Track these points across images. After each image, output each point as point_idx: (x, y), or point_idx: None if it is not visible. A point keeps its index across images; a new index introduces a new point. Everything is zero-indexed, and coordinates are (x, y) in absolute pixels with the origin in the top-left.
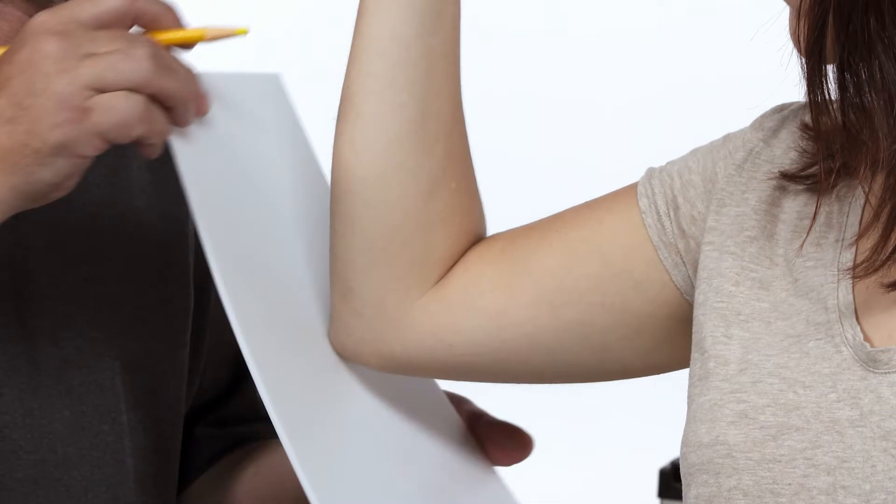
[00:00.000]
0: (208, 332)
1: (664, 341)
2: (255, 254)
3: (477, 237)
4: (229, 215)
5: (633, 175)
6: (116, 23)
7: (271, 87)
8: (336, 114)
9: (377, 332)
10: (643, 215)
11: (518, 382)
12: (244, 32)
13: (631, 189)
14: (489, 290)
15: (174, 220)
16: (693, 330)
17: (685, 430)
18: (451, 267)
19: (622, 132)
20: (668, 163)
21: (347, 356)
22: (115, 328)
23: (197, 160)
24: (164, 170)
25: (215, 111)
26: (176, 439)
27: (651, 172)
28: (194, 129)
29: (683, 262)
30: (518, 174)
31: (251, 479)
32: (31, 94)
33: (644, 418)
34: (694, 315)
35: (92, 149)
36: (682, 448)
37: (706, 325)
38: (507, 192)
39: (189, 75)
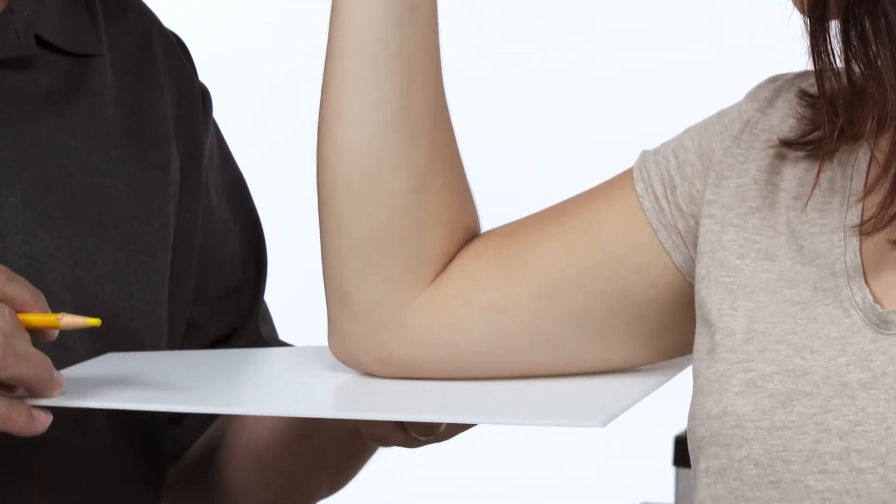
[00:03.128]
0: (192, 281)
1: (668, 326)
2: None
3: (471, 233)
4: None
5: (629, 152)
6: None
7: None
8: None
9: (376, 336)
10: (640, 199)
11: (522, 376)
12: (96, 324)
13: (626, 175)
14: (488, 286)
15: (155, 167)
16: (696, 305)
17: (692, 404)
18: (447, 265)
19: (615, 108)
20: (661, 144)
21: (349, 363)
22: (86, 287)
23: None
24: (143, 114)
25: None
26: None
27: (645, 155)
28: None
29: (684, 242)
30: (511, 158)
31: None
32: None
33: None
34: (696, 290)
35: None
36: (689, 422)
37: (710, 298)
38: (500, 179)
39: (37, 359)
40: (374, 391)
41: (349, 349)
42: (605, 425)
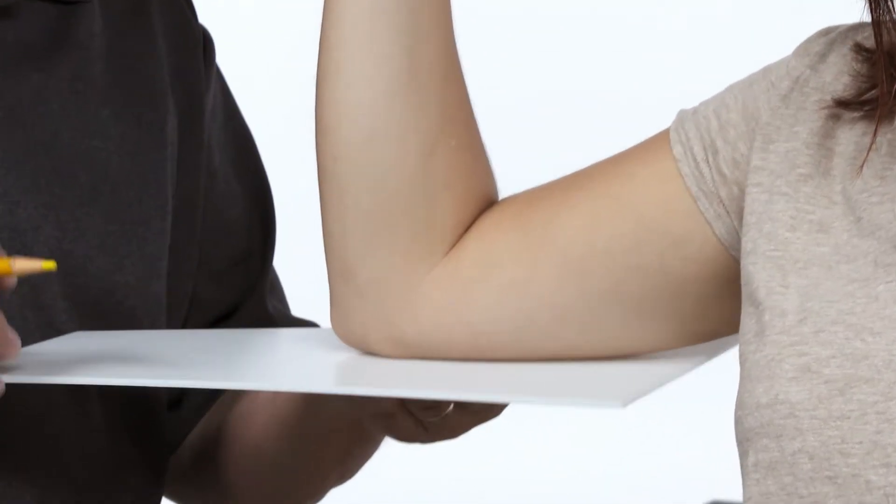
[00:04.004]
0: (195, 251)
1: (709, 305)
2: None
3: (487, 200)
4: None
5: (662, 114)
6: None
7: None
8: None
9: (385, 314)
10: (678, 164)
11: (548, 359)
12: (52, 267)
13: (662, 136)
14: (508, 260)
15: (150, 126)
16: (742, 282)
17: (739, 392)
18: (462, 236)
19: (646, 67)
20: (701, 103)
21: (355, 343)
22: (75, 262)
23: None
24: (137, 67)
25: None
26: None
27: (683, 115)
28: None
29: (727, 211)
30: (530, 120)
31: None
32: None
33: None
34: (742, 266)
35: None
36: (736, 411)
37: (758, 275)
38: (518, 144)
39: None
40: (381, 369)
41: (354, 328)
42: (625, 406)
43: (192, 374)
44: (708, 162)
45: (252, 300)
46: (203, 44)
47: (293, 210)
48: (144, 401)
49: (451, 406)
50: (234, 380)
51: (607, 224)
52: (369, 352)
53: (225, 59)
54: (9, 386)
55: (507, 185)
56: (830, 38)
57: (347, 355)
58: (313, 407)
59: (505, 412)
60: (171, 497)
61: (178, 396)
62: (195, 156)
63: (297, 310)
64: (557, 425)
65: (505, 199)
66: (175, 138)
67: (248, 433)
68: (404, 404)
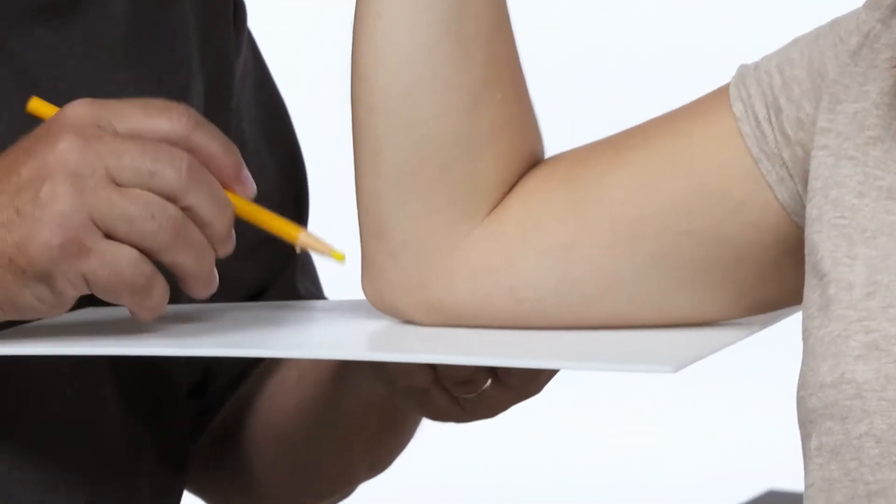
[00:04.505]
0: None
1: (767, 275)
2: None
3: (533, 158)
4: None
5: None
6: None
7: None
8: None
9: (419, 276)
10: (738, 122)
11: (592, 328)
12: (341, 259)
13: (721, 93)
14: (554, 221)
15: (171, 92)
16: (806, 252)
17: (802, 370)
18: (505, 196)
19: (701, 22)
20: (763, 58)
21: (385, 308)
22: None
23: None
24: (159, 28)
25: None
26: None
27: (744, 71)
28: None
29: (790, 175)
30: (579, 77)
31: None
32: (32, 202)
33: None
34: (806, 234)
35: (72, 288)
36: (798, 391)
37: (823, 244)
38: (565, 101)
39: (204, 254)
40: (415, 336)
41: (386, 292)
42: (677, 370)
43: (210, 342)
44: (770, 121)
45: (281, 280)
46: (234, 5)
47: (322, 175)
48: (163, 386)
49: (489, 382)
50: (260, 348)
51: (661, 185)
52: (401, 318)
53: (256, 24)
54: (8, 357)
55: (551, 145)
56: None
57: (379, 324)
58: (340, 389)
59: (546, 390)
60: (191, 489)
61: (201, 382)
62: (223, 125)
63: (325, 283)
64: (606, 409)
65: (552, 158)
66: (201, 106)
67: (272, 420)
68: (438, 380)
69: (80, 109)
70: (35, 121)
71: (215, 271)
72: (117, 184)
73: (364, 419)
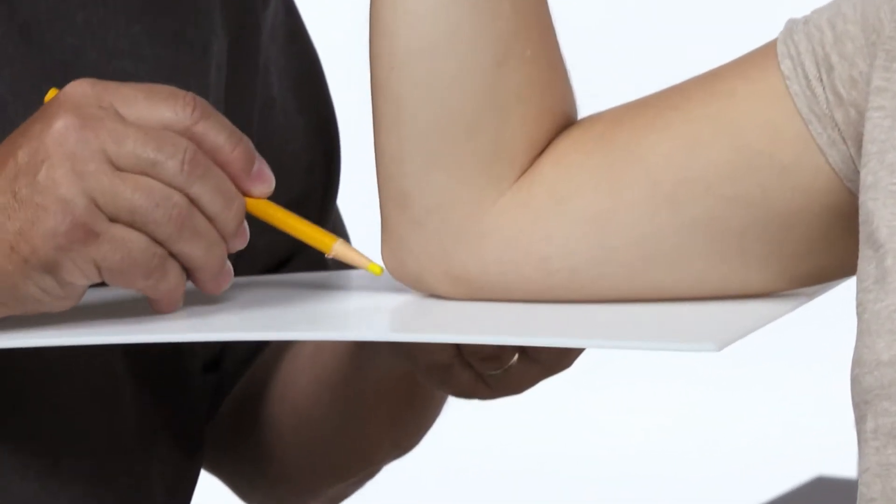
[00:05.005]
0: None
1: (817, 244)
2: None
3: (566, 119)
4: None
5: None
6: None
7: None
8: None
9: (445, 246)
10: (787, 81)
11: (629, 301)
12: (378, 272)
13: (768, 49)
14: (589, 186)
15: (191, 47)
16: (860, 220)
17: (857, 347)
18: (535, 159)
19: None
20: (813, 11)
21: (407, 280)
22: None
23: None
24: None
25: None
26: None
27: (792, 25)
28: None
29: (842, 137)
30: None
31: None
32: (31, 186)
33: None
34: (860, 201)
35: (82, 276)
36: (853, 370)
37: (879, 212)
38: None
39: (213, 245)
40: (440, 312)
41: (409, 263)
42: (720, 349)
43: (225, 325)
44: (821, 80)
45: (309, 248)
46: None
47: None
48: (177, 361)
49: (516, 357)
50: (275, 329)
51: (704, 148)
52: (425, 291)
53: None
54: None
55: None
56: None
57: (401, 298)
58: (358, 363)
59: (582, 370)
60: (207, 468)
61: (216, 356)
62: (249, 82)
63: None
64: (646, 389)
65: (585, 119)
66: (223, 61)
67: (288, 395)
68: (462, 355)
69: (81, 89)
70: (45, 82)
71: (228, 265)
72: (117, 169)
73: (385, 395)
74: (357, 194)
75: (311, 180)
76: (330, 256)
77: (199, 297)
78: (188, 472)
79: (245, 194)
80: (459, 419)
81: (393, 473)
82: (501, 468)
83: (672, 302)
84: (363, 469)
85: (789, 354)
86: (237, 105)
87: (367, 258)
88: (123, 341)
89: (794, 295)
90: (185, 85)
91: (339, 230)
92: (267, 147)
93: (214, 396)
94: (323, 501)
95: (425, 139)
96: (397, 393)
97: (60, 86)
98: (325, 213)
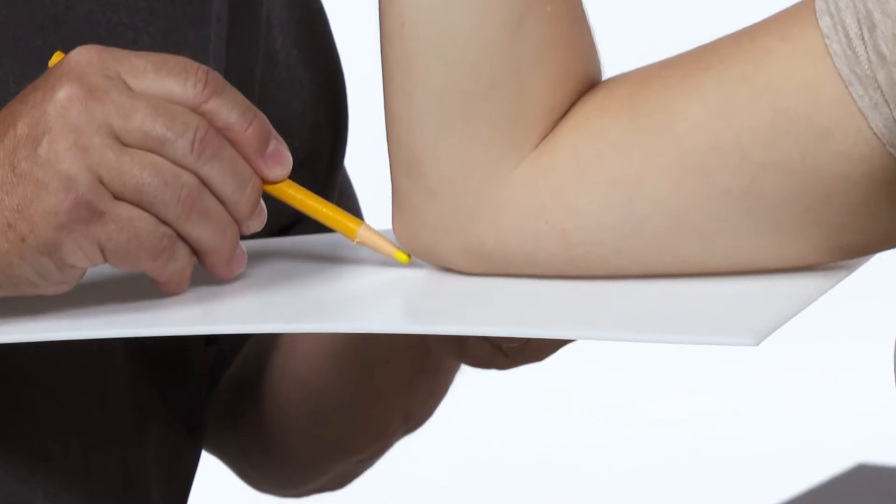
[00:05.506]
0: None
1: (861, 213)
2: None
3: (589, 80)
4: None
5: None
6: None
7: None
8: None
9: (460, 217)
10: (826, 40)
11: (656, 276)
12: (405, 260)
13: (806, 6)
14: (614, 152)
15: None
16: None
17: None
18: (557, 123)
19: None
20: None
21: (420, 253)
22: None
23: None
24: None
25: None
26: None
27: None
28: None
29: (885, 100)
30: None
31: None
32: (31, 159)
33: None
34: None
35: (84, 258)
36: None
37: None
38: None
39: (224, 227)
40: (456, 291)
41: (422, 236)
42: (758, 343)
43: (225, 316)
44: (863, 39)
45: None
46: None
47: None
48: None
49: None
50: (279, 321)
51: (738, 111)
52: (438, 264)
53: None
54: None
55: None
56: None
57: (414, 274)
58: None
59: (617, 355)
60: (205, 448)
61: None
62: (250, 35)
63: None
64: (681, 375)
65: (610, 80)
66: (224, 13)
67: (294, 366)
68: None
69: (87, 56)
70: (33, 36)
71: (242, 248)
72: (124, 145)
73: (396, 364)
74: (367, 158)
75: (318, 139)
76: (355, 242)
77: (206, 275)
78: (187, 457)
79: (259, 176)
80: (471, 405)
81: (409, 454)
82: (534, 451)
83: (701, 278)
84: (373, 444)
85: (827, 335)
86: (238, 59)
87: (392, 244)
88: (126, 334)
89: (833, 269)
90: (183, 37)
91: (347, 193)
92: (270, 104)
93: (213, 370)
94: (331, 480)
95: (438, 102)
96: (409, 363)
97: (51, 39)
98: (333, 174)
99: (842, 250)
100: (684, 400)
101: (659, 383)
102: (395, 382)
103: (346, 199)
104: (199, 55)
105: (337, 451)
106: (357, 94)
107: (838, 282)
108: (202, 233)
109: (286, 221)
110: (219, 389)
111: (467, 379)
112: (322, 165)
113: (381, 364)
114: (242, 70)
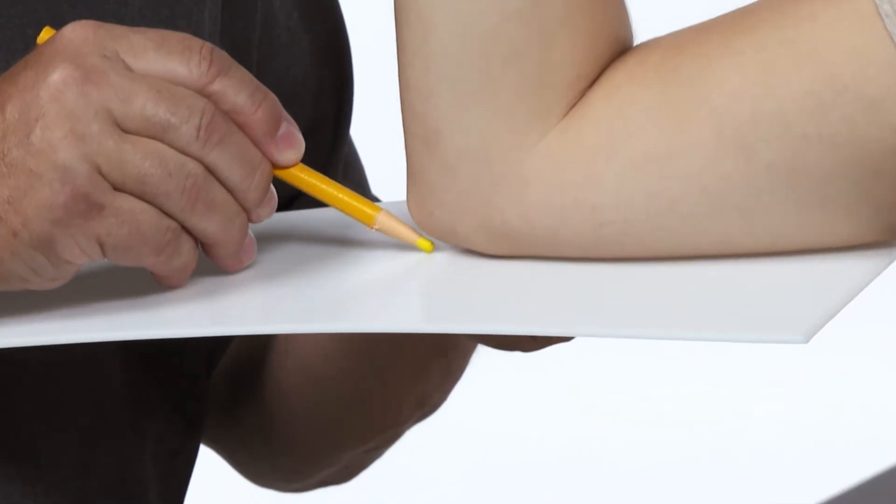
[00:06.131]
0: None
1: None
2: None
3: (619, 45)
4: None
5: None
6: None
7: None
8: None
9: (480, 194)
10: (877, 2)
11: (692, 257)
12: (429, 249)
13: None
14: (646, 124)
15: None
16: None
17: None
18: (585, 92)
19: None
20: None
21: (440, 233)
22: None
23: None
24: None
25: None
26: None
27: None
28: None
29: None
30: None
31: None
32: (23, 147)
33: None
34: None
35: (81, 255)
36: None
37: None
38: None
39: (232, 218)
40: (477, 278)
41: (440, 214)
42: (808, 340)
43: (228, 317)
44: None
45: None
46: None
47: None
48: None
49: None
50: (285, 322)
51: (779, 79)
52: (458, 244)
53: None
54: None
55: None
56: None
57: (432, 258)
58: None
59: (657, 355)
60: (203, 443)
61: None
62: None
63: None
64: (723, 364)
65: (642, 45)
66: None
67: (294, 350)
68: None
69: (83, 33)
70: (15, 18)
71: (251, 238)
72: (124, 131)
73: (408, 345)
74: (375, 127)
75: (320, 108)
76: (374, 229)
77: (209, 264)
78: (185, 452)
79: (270, 161)
80: (487, 389)
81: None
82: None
83: (738, 260)
84: (384, 432)
85: (874, 320)
86: (234, 23)
87: (415, 232)
88: (124, 337)
89: (883, 249)
90: (175, 0)
91: (353, 165)
92: (268, 70)
93: (209, 354)
94: (337, 472)
95: (457, 69)
96: (424, 343)
97: (36, 4)
98: (338, 146)
99: (893, 228)
100: (722, 393)
101: (695, 374)
102: (408, 364)
103: (352, 171)
104: (193, 17)
105: (344, 440)
106: (362, 58)
107: (890, 263)
108: (209, 224)
109: (289, 193)
110: (215, 375)
111: (483, 361)
112: (325, 137)
113: (393, 345)
114: (238, 35)
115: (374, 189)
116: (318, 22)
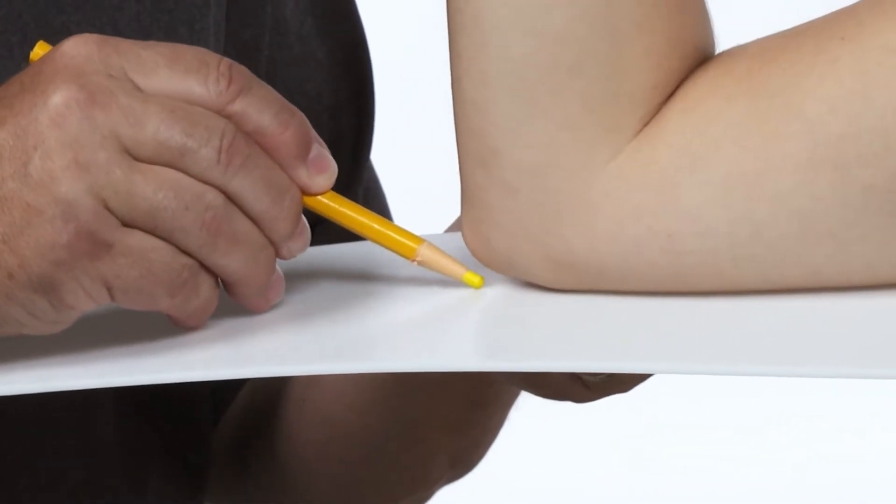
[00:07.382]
0: None
1: None
2: None
3: (700, 54)
4: None
5: None
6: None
7: None
8: None
9: (543, 218)
10: None
11: (779, 290)
12: (478, 285)
13: None
14: (731, 141)
15: None
16: None
17: None
18: (661, 105)
19: None
20: None
21: (495, 263)
22: None
23: None
24: None
25: None
26: None
27: None
28: None
29: None
30: None
31: None
32: (19, 179)
33: None
34: None
35: (86, 299)
36: None
37: None
38: None
39: (257, 252)
40: (541, 312)
41: (496, 240)
42: None
43: (248, 358)
44: None
45: None
46: None
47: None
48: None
49: None
50: (327, 361)
51: (881, 90)
52: (517, 276)
53: None
54: None
55: None
56: None
57: (482, 293)
58: None
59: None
60: (210, 500)
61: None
62: (256, 3)
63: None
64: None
65: (725, 53)
66: None
67: (313, 399)
68: None
69: (84, 48)
70: (13, 20)
71: (279, 273)
72: (134, 159)
73: (443, 395)
74: (397, 151)
75: (337, 127)
76: (415, 262)
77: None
78: None
79: (300, 188)
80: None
81: None
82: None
83: (832, 292)
84: (412, 493)
85: None
86: (241, 30)
87: (461, 265)
88: (133, 382)
89: None
90: (177, 4)
91: (373, 192)
92: (279, 85)
93: (216, 400)
94: None
95: (518, 79)
96: (461, 396)
97: (34, 15)
98: (357, 170)
99: None
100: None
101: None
102: (443, 418)
103: (372, 200)
104: (197, 23)
105: (366, 501)
106: (385, 73)
107: None
108: (230, 261)
109: (310, 221)
110: (222, 423)
111: (524, 414)
112: (343, 160)
113: (425, 395)
114: (246, 42)
115: (398, 221)
116: (334, 30)
